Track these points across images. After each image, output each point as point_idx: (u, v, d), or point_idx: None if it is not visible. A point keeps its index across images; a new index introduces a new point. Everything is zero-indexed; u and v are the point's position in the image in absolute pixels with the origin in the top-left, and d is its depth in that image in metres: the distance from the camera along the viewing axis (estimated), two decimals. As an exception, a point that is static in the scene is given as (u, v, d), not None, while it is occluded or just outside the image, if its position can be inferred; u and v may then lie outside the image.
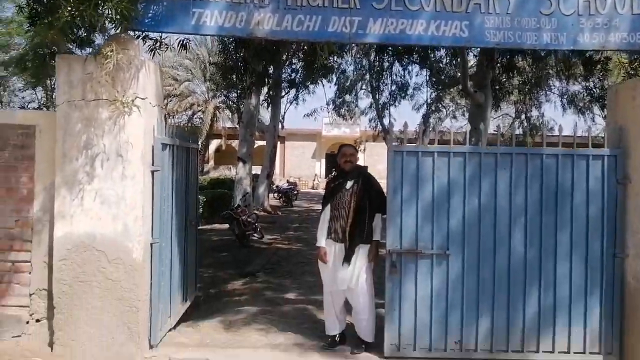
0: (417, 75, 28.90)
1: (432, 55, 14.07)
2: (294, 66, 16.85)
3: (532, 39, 4.41)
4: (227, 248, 10.78)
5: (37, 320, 4.49)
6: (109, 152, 4.30)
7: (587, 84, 14.93)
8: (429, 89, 18.38)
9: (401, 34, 4.39)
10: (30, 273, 4.50)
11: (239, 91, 17.93)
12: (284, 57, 15.24)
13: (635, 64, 7.63)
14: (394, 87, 18.28)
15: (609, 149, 4.51)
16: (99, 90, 4.28)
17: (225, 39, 12.63)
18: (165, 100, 30.03)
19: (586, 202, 4.45)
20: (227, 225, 11.94)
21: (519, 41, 4.43)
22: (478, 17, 4.39)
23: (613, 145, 4.53)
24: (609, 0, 4.37)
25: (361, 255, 4.59)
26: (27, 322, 4.49)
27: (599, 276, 4.45)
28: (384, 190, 4.65)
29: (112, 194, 4.29)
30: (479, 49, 11.84)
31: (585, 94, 16.70)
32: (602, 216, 4.45)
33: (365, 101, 34.29)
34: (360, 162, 5.11)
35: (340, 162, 4.80)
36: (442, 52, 14.73)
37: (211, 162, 37.72)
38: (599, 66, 10.39)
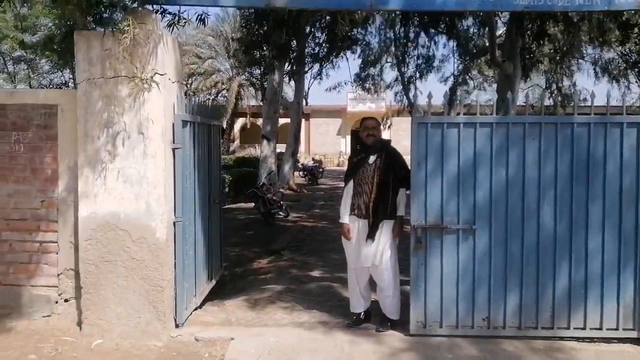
0: (444, 47, 28.73)
1: (459, 24, 13.68)
2: (317, 40, 16.62)
3: (564, 0, 4.16)
4: (253, 226, 10.84)
5: (66, 300, 4.56)
6: (129, 130, 4.27)
7: (623, 50, 14.36)
8: (455, 59, 17.95)
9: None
10: (57, 253, 4.55)
11: (262, 67, 17.80)
12: (307, 30, 15.02)
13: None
14: (419, 60, 17.92)
15: (646, 116, 4.27)
16: (117, 66, 4.24)
17: (247, 12, 12.49)
18: (190, 79, 30.17)
19: (619, 173, 4.24)
20: (252, 204, 11.98)
21: (549, 3, 4.17)
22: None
23: (650, 112, 4.30)
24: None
25: (385, 231, 4.50)
26: (56, 302, 4.56)
27: (632, 250, 4.26)
28: (408, 164, 4.53)
29: (134, 173, 4.28)
30: (507, 15, 11.44)
31: (621, 61, 16.08)
32: (636, 187, 4.25)
33: (390, 75, 33.79)
34: (386, 138, 4.98)
35: (363, 135, 4.68)
36: (470, 21, 14.32)
37: (237, 142, 37.87)
38: (636, 29, 9.93)
